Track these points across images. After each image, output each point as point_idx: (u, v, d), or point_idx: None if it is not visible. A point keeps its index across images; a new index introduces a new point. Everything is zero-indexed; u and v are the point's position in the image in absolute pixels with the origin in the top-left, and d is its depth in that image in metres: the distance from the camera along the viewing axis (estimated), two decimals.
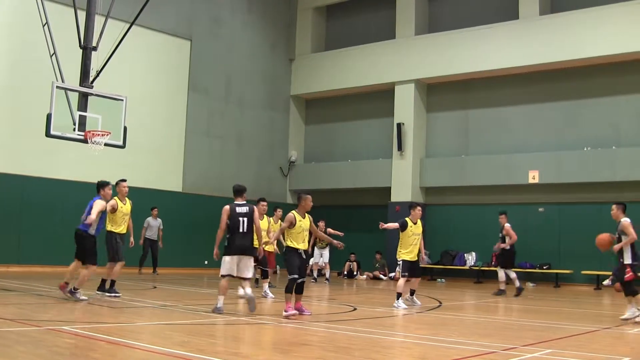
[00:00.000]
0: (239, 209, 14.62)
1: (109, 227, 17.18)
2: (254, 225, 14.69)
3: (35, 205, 27.73)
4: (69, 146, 24.28)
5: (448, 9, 35.13)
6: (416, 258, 17.74)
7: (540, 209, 30.77)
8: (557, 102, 31.15)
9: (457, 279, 31.49)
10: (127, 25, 24.15)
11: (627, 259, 14.84)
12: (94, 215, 15.60)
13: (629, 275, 14.70)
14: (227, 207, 14.52)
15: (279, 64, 38.28)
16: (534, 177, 30.34)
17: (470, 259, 31.66)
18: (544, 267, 29.85)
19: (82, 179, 28.33)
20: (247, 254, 14.57)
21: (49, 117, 21.28)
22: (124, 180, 17.80)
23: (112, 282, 17.08)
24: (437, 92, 34.49)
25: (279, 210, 22.79)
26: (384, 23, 36.35)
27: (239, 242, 14.43)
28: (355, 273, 32.86)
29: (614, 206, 15.65)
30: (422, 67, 33.87)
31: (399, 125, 33.75)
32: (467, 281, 30.93)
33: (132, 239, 18.50)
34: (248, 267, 14.56)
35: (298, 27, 39.02)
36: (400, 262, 17.66)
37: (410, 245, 17.61)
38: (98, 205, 15.94)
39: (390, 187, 34.19)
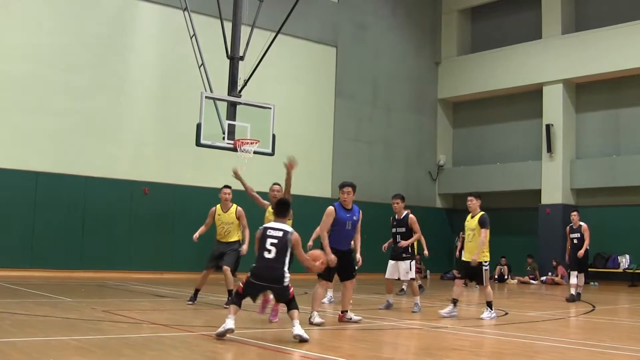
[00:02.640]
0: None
1: None
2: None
3: (187, 213, 28.29)
4: (219, 155, 24.67)
5: (595, 6, 34.29)
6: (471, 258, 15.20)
7: None
8: None
9: (610, 282, 30.70)
10: (273, 35, 24.40)
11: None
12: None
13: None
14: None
15: (425, 67, 38.16)
16: None
17: (624, 261, 30.90)
18: None
19: (232, 187, 28.83)
20: None
21: (198, 126, 21.66)
22: (226, 187, 17.17)
23: (229, 292, 16.30)
24: (587, 92, 33.77)
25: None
26: (530, 23, 35.79)
27: None
28: (506, 277, 32.47)
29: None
30: (570, 67, 33.21)
31: (547, 126, 33.23)
32: (621, 284, 30.15)
33: (244, 246, 17.10)
34: None
35: (443, 30, 38.85)
36: None
37: (466, 243, 15.53)
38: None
39: (540, 190, 33.68)
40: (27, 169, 25.72)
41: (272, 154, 23.29)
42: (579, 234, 21.23)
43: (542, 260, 32.07)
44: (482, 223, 15.05)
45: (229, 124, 22.35)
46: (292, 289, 10.92)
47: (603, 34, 32.24)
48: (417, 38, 37.86)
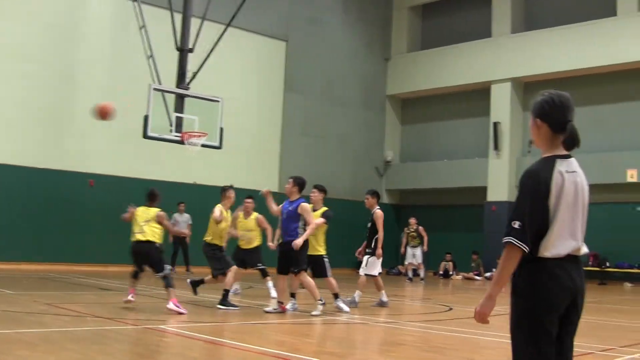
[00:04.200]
0: None
1: None
2: None
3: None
4: (166, 147, 24.57)
5: (545, 7, 34.61)
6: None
7: (639, 208, 30.22)
8: None
9: None
10: (223, 27, 24.36)
11: None
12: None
13: None
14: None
15: (375, 63, 38.22)
16: (632, 175, 29.74)
17: None
18: None
19: (179, 179, 28.71)
20: None
21: (146, 118, 21.57)
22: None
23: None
24: (534, 91, 33.62)
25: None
26: (480, 21, 35.98)
27: None
28: (450, 273, 32.69)
29: None
30: (519, 66, 33.47)
31: (495, 124, 33.46)
32: None
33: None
34: None
35: (394, 27, 38.93)
36: None
37: (310, 237, 14.43)
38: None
39: (486, 187, 33.92)
40: None
41: (219, 147, 23.28)
42: None
43: (487, 257, 32.24)
44: (323, 216, 14.82)
45: (176, 117, 22.29)
46: None
47: (552, 34, 32.51)
48: (368, 34, 37.89)
